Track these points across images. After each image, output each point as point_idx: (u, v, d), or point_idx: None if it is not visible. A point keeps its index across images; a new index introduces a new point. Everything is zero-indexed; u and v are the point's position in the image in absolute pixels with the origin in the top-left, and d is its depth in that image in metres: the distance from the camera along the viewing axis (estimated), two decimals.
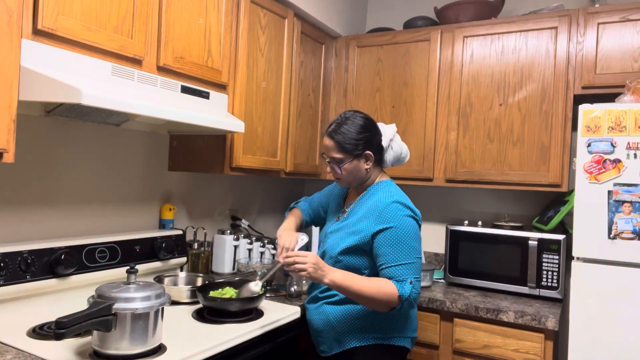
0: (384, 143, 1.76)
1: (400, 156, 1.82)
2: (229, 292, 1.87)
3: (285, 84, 2.48)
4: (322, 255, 1.79)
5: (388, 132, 1.78)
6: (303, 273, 1.54)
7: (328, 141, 1.73)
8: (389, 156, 1.79)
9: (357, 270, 1.69)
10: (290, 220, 2.00)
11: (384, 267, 1.61)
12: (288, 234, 1.79)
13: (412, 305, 1.60)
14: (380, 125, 1.79)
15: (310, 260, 1.55)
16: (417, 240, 1.64)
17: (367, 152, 1.72)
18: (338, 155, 1.72)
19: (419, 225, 1.69)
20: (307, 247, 2.11)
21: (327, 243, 1.78)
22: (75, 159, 1.91)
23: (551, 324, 2.02)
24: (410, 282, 1.57)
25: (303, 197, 2.31)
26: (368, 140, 1.72)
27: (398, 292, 1.55)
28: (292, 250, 1.73)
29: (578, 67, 2.32)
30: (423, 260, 2.78)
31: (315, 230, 2.91)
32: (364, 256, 1.68)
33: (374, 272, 1.67)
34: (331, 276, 1.57)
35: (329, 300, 1.73)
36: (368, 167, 1.74)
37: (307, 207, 2.08)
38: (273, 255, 2.66)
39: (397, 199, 1.66)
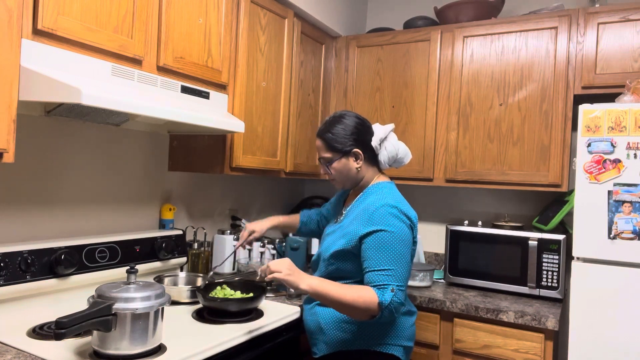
0: (374, 142, 1.71)
1: (397, 157, 1.75)
2: (227, 292, 1.88)
3: (285, 84, 2.48)
4: (318, 258, 1.78)
5: (380, 131, 1.73)
6: (278, 275, 1.51)
7: (317, 141, 1.75)
8: (382, 156, 1.73)
9: (348, 274, 1.65)
10: (281, 216, 2.12)
11: (366, 271, 1.54)
12: (261, 222, 1.99)
13: (392, 314, 1.50)
14: (377, 125, 1.76)
15: (284, 265, 1.53)
16: (405, 246, 1.56)
17: (355, 150, 1.70)
18: (327, 155, 1.72)
19: (413, 230, 1.62)
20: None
21: (322, 245, 1.77)
22: (75, 159, 1.91)
23: (551, 324, 2.02)
24: (392, 290, 1.48)
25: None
26: (356, 138, 1.70)
27: (378, 299, 1.47)
28: (254, 232, 1.97)
29: (578, 67, 2.32)
30: (422, 260, 2.78)
31: None
32: (355, 261, 1.63)
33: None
34: (308, 281, 1.53)
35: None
36: (358, 165, 1.71)
37: (309, 211, 2.13)
38: (273, 255, 2.66)
39: (389, 202, 1.59)
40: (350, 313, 1.53)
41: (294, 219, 2.12)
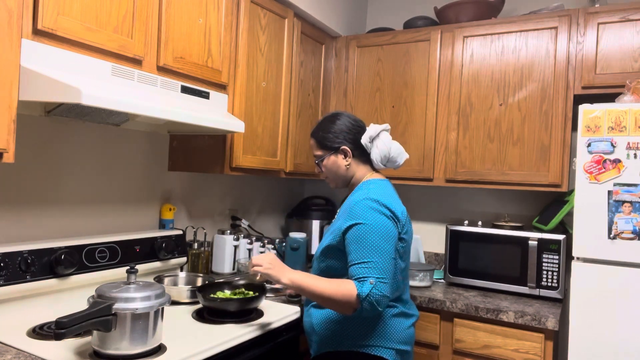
0: (363, 140, 1.71)
1: (390, 156, 1.72)
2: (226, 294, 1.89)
3: (285, 84, 2.48)
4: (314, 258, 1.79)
5: (371, 130, 1.72)
6: (259, 269, 1.58)
7: (311, 140, 1.79)
8: (374, 155, 1.71)
9: (339, 271, 1.64)
10: None
11: (349, 264, 1.55)
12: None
13: (374, 306, 1.47)
14: (372, 125, 1.74)
15: (266, 259, 1.60)
16: (384, 238, 1.53)
17: (344, 147, 1.71)
18: (318, 153, 1.76)
19: (397, 223, 1.59)
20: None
21: (318, 246, 1.78)
22: (75, 159, 1.91)
23: (551, 324, 2.02)
24: (371, 282, 1.47)
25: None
26: (345, 136, 1.71)
27: (357, 291, 1.47)
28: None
29: (578, 67, 2.32)
30: (422, 260, 2.78)
31: (315, 231, 2.91)
32: (343, 257, 1.62)
33: None
34: (290, 275, 1.57)
35: (315, 303, 1.69)
36: (347, 163, 1.72)
37: None
38: None
39: (370, 196, 1.58)
40: (332, 306, 1.54)
41: None
